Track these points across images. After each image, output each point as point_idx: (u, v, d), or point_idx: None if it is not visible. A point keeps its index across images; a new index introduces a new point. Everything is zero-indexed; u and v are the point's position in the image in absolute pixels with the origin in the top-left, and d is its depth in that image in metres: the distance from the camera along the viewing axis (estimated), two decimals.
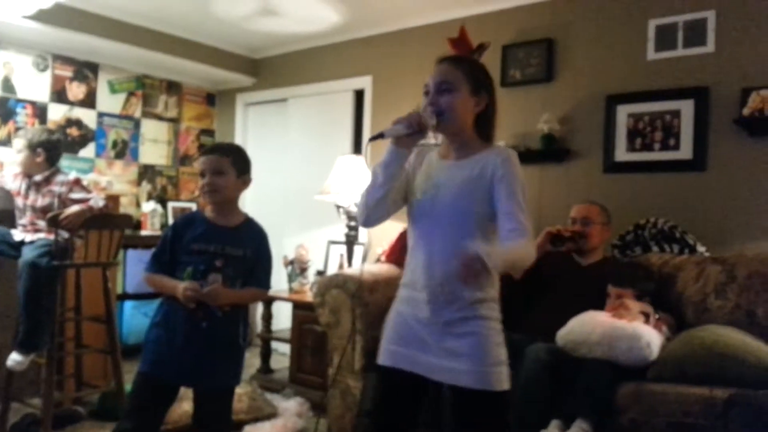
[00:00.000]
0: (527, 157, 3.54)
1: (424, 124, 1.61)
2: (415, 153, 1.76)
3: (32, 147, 3.02)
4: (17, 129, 4.22)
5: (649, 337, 2.35)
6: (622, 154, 3.32)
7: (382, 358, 1.73)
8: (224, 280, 1.97)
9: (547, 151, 3.48)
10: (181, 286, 1.91)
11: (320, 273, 4.05)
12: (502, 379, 1.60)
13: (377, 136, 1.63)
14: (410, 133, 1.60)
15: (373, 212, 1.71)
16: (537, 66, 3.62)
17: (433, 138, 1.75)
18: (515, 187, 1.61)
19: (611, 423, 2.22)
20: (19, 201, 2.99)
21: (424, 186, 1.71)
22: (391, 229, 3.93)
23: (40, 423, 2.72)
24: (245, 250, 2.04)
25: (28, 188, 3.00)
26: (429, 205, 1.68)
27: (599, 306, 2.59)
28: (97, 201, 2.96)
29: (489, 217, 1.62)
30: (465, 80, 1.65)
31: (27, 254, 2.76)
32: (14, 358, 2.74)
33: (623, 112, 3.31)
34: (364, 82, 4.48)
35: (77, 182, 3.08)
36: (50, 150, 3.07)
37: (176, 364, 1.96)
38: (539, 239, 2.85)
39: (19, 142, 3.04)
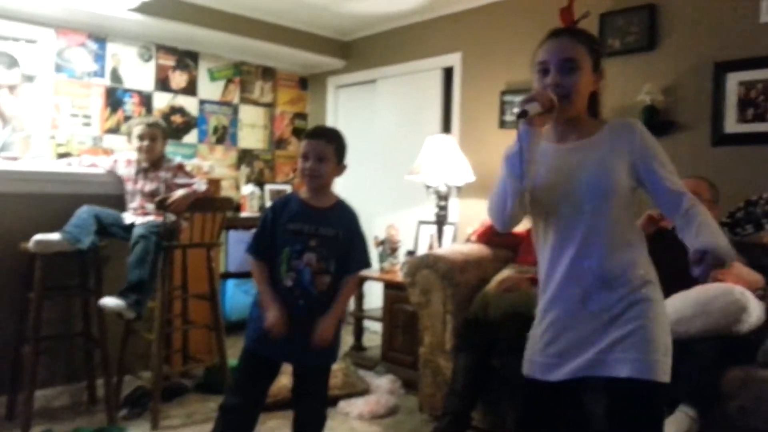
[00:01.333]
0: None
1: (554, 103, 1.46)
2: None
3: (164, 134, 3.23)
4: (126, 117, 4.52)
5: (742, 290, 2.24)
6: (732, 125, 3.08)
7: (532, 370, 1.59)
8: (318, 260, 2.02)
9: (650, 124, 3.26)
10: (270, 315, 1.98)
11: (411, 253, 4.07)
12: (667, 371, 1.46)
13: (522, 114, 1.43)
14: (543, 112, 1.45)
15: (513, 211, 1.53)
16: (637, 34, 3.41)
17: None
18: (662, 155, 1.51)
19: (718, 409, 2.11)
20: (129, 186, 3.19)
21: (548, 177, 1.54)
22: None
23: (151, 395, 2.94)
24: (338, 231, 2.07)
25: (137, 174, 3.20)
26: (563, 196, 1.52)
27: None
28: (200, 185, 3.12)
29: (629, 192, 1.51)
30: (588, 56, 1.52)
31: (138, 230, 2.95)
32: (108, 300, 2.81)
33: (733, 80, 3.07)
34: (454, 60, 4.42)
35: (181, 167, 3.26)
36: (167, 137, 3.30)
37: (277, 342, 2.01)
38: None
39: (144, 129, 3.19)
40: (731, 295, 2.21)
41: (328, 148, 2.08)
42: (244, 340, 2.12)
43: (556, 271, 1.54)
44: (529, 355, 1.61)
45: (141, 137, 3.15)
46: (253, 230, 2.13)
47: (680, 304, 2.28)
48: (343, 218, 2.12)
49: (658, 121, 3.27)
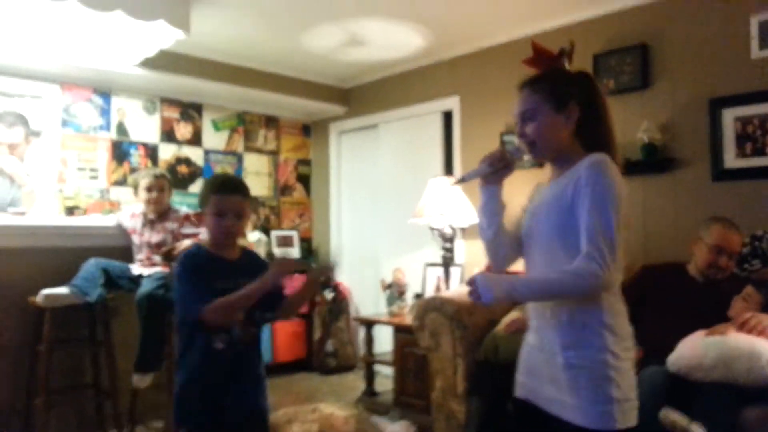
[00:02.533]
0: (628, 169, 3.32)
1: (507, 158, 1.59)
2: (534, 189, 1.72)
3: (170, 185, 3.29)
4: (132, 170, 4.58)
5: None
6: (731, 160, 3.13)
7: (516, 389, 1.66)
8: (250, 313, 1.93)
9: (649, 162, 3.34)
10: (266, 277, 1.85)
11: (418, 296, 4.07)
12: (623, 417, 1.44)
13: (460, 181, 1.65)
14: (495, 170, 1.59)
15: (494, 254, 1.67)
16: (631, 73, 3.49)
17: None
18: (598, 198, 1.43)
19: None
20: (135, 238, 3.23)
21: (527, 214, 1.66)
22: None
23: None
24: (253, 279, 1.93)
25: (143, 226, 3.23)
26: (528, 232, 1.61)
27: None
28: (206, 235, 3.15)
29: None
30: (545, 101, 1.55)
31: (145, 286, 2.97)
32: (135, 378, 2.95)
33: (730, 115, 3.13)
34: (452, 103, 4.51)
35: (188, 218, 3.30)
36: (172, 188, 3.35)
37: (214, 408, 1.91)
38: None
39: (152, 181, 3.24)
40: (759, 360, 2.14)
41: (245, 204, 1.97)
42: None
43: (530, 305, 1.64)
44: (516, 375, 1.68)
45: (149, 189, 3.20)
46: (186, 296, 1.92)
47: (702, 350, 2.23)
48: (255, 265, 2.00)
49: (658, 158, 3.31)
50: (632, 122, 3.41)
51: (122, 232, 3.28)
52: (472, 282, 1.41)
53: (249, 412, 1.99)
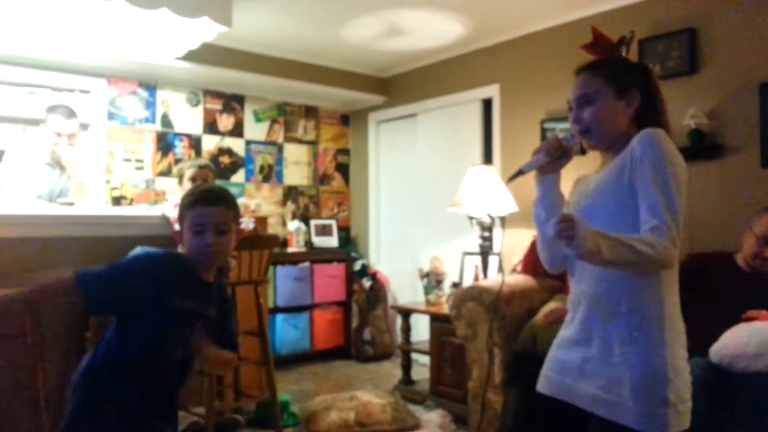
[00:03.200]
0: None
1: (564, 146, 1.54)
2: (576, 183, 1.66)
3: (214, 175, 3.35)
4: (176, 160, 4.69)
5: None
6: None
7: (542, 385, 1.58)
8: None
9: (696, 148, 3.24)
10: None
11: (456, 285, 4.06)
12: (676, 422, 1.34)
13: (516, 175, 1.53)
14: (551, 159, 1.54)
15: (553, 252, 1.60)
16: (678, 58, 3.39)
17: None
18: (659, 169, 1.35)
19: None
20: (177, 227, 3.28)
21: (572, 207, 1.57)
22: (525, 239, 3.86)
23: (205, 430, 2.98)
24: (218, 311, 1.75)
25: None
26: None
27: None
28: (248, 224, 3.20)
29: (633, 211, 1.40)
30: (606, 85, 1.50)
31: None
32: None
33: None
34: (492, 91, 4.45)
35: None
36: (215, 178, 3.42)
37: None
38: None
39: (196, 171, 3.32)
40: None
41: (228, 216, 1.70)
42: None
43: (571, 293, 1.58)
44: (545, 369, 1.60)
45: (193, 179, 3.26)
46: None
47: (746, 339, 2.19)
48: (221, 296, 1.80)
49: (705, 144, 3.21)
50: (679, 108, 3.31)
51: (167, 222, 3.35)
52: (569, 220, 1.24)
53: None
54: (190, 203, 1.70)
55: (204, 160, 4.26)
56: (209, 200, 1.69)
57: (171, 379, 1.71)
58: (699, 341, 2.32)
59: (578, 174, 1.71)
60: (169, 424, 1.76)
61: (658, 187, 1.34)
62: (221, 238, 1.67)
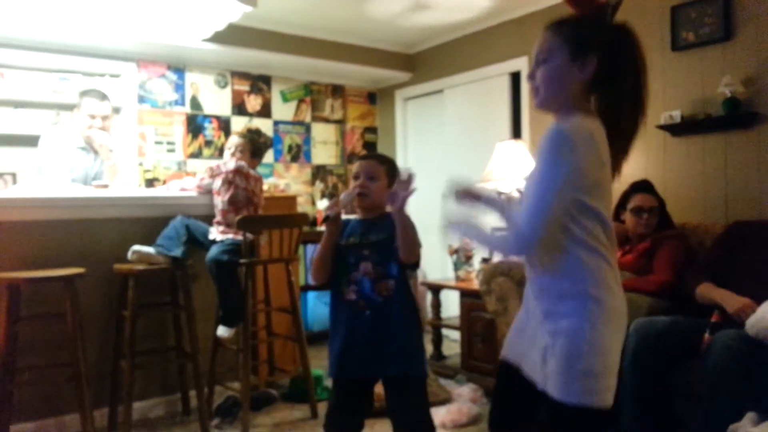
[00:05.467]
0: (708, 125, 3.25)
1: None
2: None
3: (248, 148, 3.41)
4: (207, 142, 4.75)
5: None
6: None
7: (503, 349, 1.65)
8: (374, 267, 2.01)
9: (732, 117, 3.15)
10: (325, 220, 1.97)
11: (485, 260, 4.04)
12: (598, 396, 1.35)
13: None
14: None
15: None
16: (712, 25, 3.28)
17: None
18: (537, 168, 1.39)
19: None
20: (216, 199, 3.31)
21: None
22: None
23: (241, 404, 3.06)
24: (389, 233, 2.00)
25: (222, 185, 3.30)
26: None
27: None
28: (228, 165, 3.25)
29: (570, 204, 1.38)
30: (563, 45, 1.43)
31: (211, 252, 3.10)
32: (220, 331, 3.12)
33: None
34: (520, 64, 4.39)
35: (237, 171, 3.31)
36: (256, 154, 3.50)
37: (356, 361, 1.98)
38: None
39: (229, 142, 3.42)
40: None
41: (379, 169, 2.08)
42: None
43: None
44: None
45: (229, 149, 3.36)
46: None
47: None
48: (392, 224, 2.02)
49: (741, 113, 3.13)
50: (713, 76, 3.23)
51: (205, 199, 3.38)
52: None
53: (394, 372, 2.01)
54: (356, 159, 2.21)
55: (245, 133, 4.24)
56: (365, 156, 2.18)
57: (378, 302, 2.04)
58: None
59: None
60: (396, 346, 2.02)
61: (537, 188, 1.37)
62: (370, 183, 2.05)
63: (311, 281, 1.98)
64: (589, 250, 1.39)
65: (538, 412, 1.51)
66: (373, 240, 2.03)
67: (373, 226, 2.06)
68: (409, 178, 1.89)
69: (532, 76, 1.49)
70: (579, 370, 1.34)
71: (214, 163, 3.46)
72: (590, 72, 1.42)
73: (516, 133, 4.44)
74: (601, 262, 1.40)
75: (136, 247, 2.98)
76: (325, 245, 1.98)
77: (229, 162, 3.27)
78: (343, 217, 2.05)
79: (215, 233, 3.20)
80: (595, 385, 1.34)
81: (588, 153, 1.34)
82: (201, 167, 4.66)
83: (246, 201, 3.23)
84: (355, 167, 2.10)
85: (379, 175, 2.07)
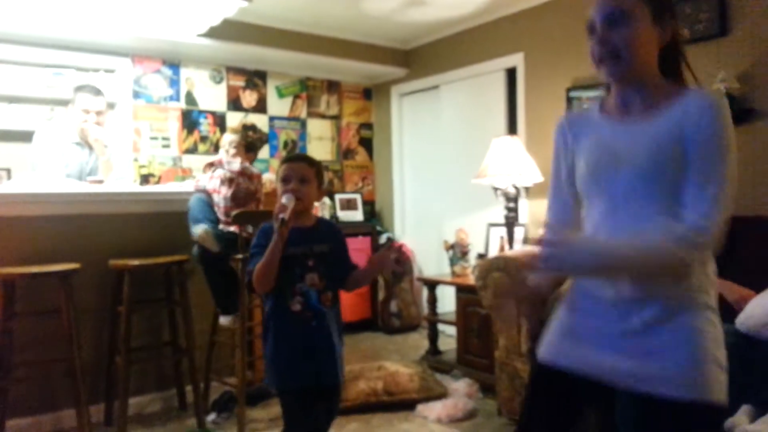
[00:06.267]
0: None
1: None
2: (565, 125, 1.47)
3: (242, 146, 3.40)
4: (202, 138, 4.73)
5: None
6: None
7: (543, 352, 1.43)
8: (320, 278, 1.99)
9: None
10: (277, 224, 1.87)
11: (481, 256, 4.06)
12: (719, 388, 1.20)
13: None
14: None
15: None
16: (707, 21, 3.29)
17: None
18: (723, 150, 1.21)
19: None
20: (214, 197, 3.30)
21: (596, 155, 1.36)
22: None
23: (237, 400, 3.06)
24: (329, 245, 2.05)
25: (221, 184, 3.30)
26: (606, 180, 1.32)
27: None
28: (233, 165, 3.25)
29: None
30: (643, 4, 1.27)
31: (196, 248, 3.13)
32: (221, 320, 3.17)
33: None
34: (516, 60, 4.39)
35: (242, 173, 3.31)
36: (251, 150, 3.49)
37: (303, 370, 1.96)
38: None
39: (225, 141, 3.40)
40: None
41: (309, 171, 2.03)
42: (272, 381, 2.03)
43: None
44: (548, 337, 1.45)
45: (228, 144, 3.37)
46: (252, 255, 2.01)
47: None
48: (331, 232, 2.12)
49: (736, 109, 3.13)
50: (708, 72, 3.23)
51: (206, 193, 3.36)
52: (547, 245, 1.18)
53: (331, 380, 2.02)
54: (282, 161, 2.09)
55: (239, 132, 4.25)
56: (293, 159, 2.09)
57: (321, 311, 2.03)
58: (729, 307, 2.32)
59: (560, 118, 1.51)
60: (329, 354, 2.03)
61: (719, 170, 1.20)
62: (301, 186, 2.00)
63: (256, 289, 1.93)
64: None
65: (581, 420, 1.40)
66: (317, 251, 2.01)
67: (313, 234, 2.04)
68: (399, 250, 2.05)
69: (604, 41, 1.28)
70: (715, 363, 1.21)
71: (208, 159, 3.45)
72: (667, 40, 1.31)
73: (512, 128, 4.45)
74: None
75: (201, 229, 3.05)
76: (277, 252, 1.89)
77: (233, 163, 3.26)
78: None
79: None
80: (723, 379, 1.22)
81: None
82: (196, 163, 4.66)
83: (246, 198, 3.24)
84: (282, 170, 2.03)
85: (310, 177, 2.03)
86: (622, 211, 1.29)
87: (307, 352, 1.97)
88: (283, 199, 1.92)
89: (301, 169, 2.01)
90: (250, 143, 3.50)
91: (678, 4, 3.37)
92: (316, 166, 2.09)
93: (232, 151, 3.35)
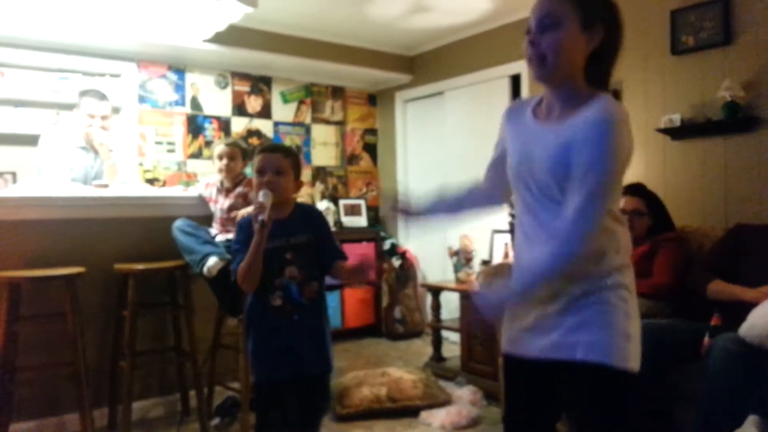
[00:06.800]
0: (708, 128, 3.26)
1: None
2: (506, 115, 1.59)
3: (243, 154, 3.38)
4: (207, 143, 4.75)
5: None
6: None
7: (502, 343, 1.55)
8: (300, 270, 1.96)
9: (731, 121, 3.16)
10: (257, 226, 1.84)
11: (485, 262, 4.05)
12: (628, 357, 1.34)
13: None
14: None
15: (489, 206, 1.73)
16: (712, 29, 3.29)
17: None
18: (598, 165, 1.28)
19: None
20: (212, 206, 3.34)
21: (518, 153, 1.47)
22: None
23: (240, 404, 3.05)
24: (309, 235, 2.00)
25: (218, 193, 3.33)
26: (523, 178, 1.44)
27: None
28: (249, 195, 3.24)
29: None
30: (573, 11, 1.34)
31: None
32: (230, 320, 3.15)
33: None
34: (520, 67, 4.40)
35: (250, 183, 3.34)
36: (246, 157, 3.44)
37: (284, 362, 1.96)
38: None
39: (223, 149, 3.29)
40: None
41: (285, 162, 1.98)
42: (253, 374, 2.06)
43: (517, 250, 1.54)
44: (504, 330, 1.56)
45: (220, 156, 3.29)
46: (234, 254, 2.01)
47: None
48: (310, 220, 2.06)
49: (741, 117, 3.13)
50: (713, 80, 3.24)
51: (202, 201, 3.39)
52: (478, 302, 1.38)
53: (316, 371, 2.02)
54: (258, 152, 2.03)
55: (232, 138, 4.30)
56: (269, 149, 2.03)
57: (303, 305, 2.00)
58: (737, 315, 2.31)
59: (508, 106, 1.65)
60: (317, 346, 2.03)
61: (597, 173, 1.28)
62: (277, 178, 1.95)
63: (242, 288, 1.93)
64: (614, 218, 1.40)
65: (556, 404, 1.50)
66: (294, 243, 1.97)
67: (290, 225, 1.99)
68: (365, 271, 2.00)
69: (534, 43, 1.37)
70: (622, 335, 1.34)
71: (209, 163, 3.46)
72: (596, 44, 1.36)
73: None
74: (623, 227, 1.43)
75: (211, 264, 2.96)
76: (259, 251, 1.86)
77: (252, 193, 3.24)
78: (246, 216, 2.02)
79: (215, 232, 3.22)
80: (635, 349, 1.36)
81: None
82: (201, 168, 4.67)
83: (243, 206, 3.24)
84: (257, 161, 1.98)
85: (286, 168, 1.98)
86: (537, 207, 1.42)
87: (289, 346, 1.95)
88: (260, 197, 1.88)
89: (276, 160, 1.97)
90: (245, 151, 3.47)
91: (683, 12, 3.38)
92: (292, 156, 2.04)
93: (231, 164, 3.30)
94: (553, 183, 1.35)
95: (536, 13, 1.38)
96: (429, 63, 5.25)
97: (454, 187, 1.71)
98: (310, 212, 2.12)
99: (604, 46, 1.37)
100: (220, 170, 3.29)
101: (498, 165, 1.60)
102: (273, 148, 2.07)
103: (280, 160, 1.97)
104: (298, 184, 2.07)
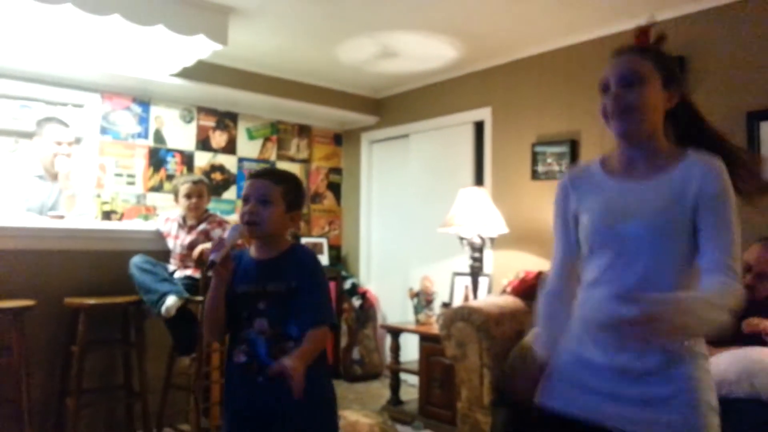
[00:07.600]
0: None
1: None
2: (569, 184, 1.51)
3: (209, 191, 3.35)
4: (168, 176, 4.69)
5: None
6: None
7: (548, 397, 1.45)
8: (271, 325, 1.64)
9: None
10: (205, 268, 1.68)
11: (446, 305, 4.06)
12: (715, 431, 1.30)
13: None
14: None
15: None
16: None
17: None
18: (730, 213, 1.30)
19: None
20: (170, 242, 3.30)
21: (604, 210, 1.41)
22: (515, 260, 3.88)
23: None
24: (290, 283, 1.66)
25: (179, 228, 3.30)
26: (612, 236, 1.38)
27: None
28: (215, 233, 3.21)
29: (691, 252, 1.32)
30: (655, 70, 1.37)
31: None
32: (182, 360, 3.10)
33: (767, 129, 3.06)
34: (484, 114, 4.51)
35: (221, 223, 3.34)
36: (211, 193, 3.43)
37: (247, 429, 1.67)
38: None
39: (191, 187, 3.28)
40: None
41: (274, 190, 1.69)
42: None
43: (593, 311, 1.40)
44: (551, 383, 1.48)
45: (188, 195, 3.26)
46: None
47: (723, 366, 2.18)
48: (297, 266, 1.69)
49: None
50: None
51: (160, 236, 3.35)
52: (648, 318, 1.11)
53: None
54: (248, 177, 1.78)
55: (198, 175, 4.27)
56: (258, 175, 1.76)
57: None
58: None
59: (559, 180, 1.57)
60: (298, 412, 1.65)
61: (730, 230, 1.29)
62: (261, 209, 1.67)
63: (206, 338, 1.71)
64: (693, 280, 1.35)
65: None
66: (270, 290, 1.65)
67: (272, 269, 1.68)
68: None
69: (619, 98, 1.37)
70: (708, 411, 1.29)
71: (170, 197, 3.43)
72: (671, 106, 1.40)
73: (479, 179, 4.53)
74: None
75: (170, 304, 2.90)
76: (216, 296, 1.62)
77: (214, 230, 3.22)
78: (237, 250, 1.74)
79: (173, 267, 3.16)
80: (717, 423, 1.31)
81: None
82: (160, 201, 4.60)
83: (203, 242, 3.21)
84: (244, 187, 1.71)
85: (274, 198, 1.67)
86: (631, 261, 1.35)
87: (250, 417, 1.64)
88: (227, 231, 1.64)
89: (263, 187, 1.68)
90: (209, 186, 3.46)
91: None
92: (285, 183, 1.72)
93: (197, 200, 3.28)
94: (649, 236, 1.33)
95: (617, 69, 1.40)
96: (395, 106, 5.34)
97: (546, 315, 1.57)
98: (302, 257, 1.73)
99: (680, 106, 1.42)
100: (188, 208, 3.25)
101: (571, 239, 1.51)
102: (263, 172, 1.76)
103: (268, 187, 1.67)
104: (294, 218, 1.73)
